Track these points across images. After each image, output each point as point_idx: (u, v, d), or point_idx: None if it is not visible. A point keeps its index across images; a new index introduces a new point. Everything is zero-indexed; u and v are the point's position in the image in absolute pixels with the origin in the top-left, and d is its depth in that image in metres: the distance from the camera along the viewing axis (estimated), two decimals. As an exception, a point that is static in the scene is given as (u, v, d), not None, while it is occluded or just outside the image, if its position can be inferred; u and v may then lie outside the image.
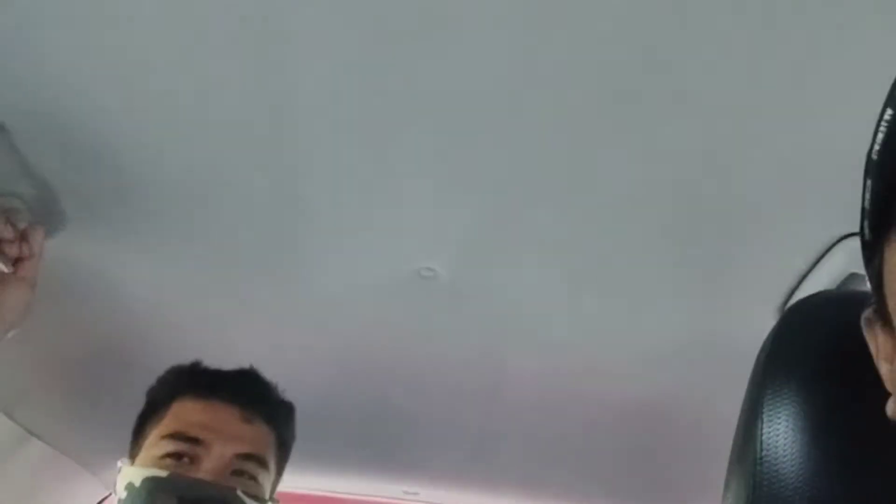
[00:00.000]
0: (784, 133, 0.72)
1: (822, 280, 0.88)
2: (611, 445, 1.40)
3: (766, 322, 1.01)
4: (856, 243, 0.84)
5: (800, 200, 0.80)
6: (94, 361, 1.22)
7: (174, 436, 1.00)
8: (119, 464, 1.02)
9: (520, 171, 0.80)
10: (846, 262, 0.84)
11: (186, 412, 1.02)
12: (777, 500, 0.49)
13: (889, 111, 0.37)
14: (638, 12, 0.61)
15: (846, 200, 0.78)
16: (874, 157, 0.38)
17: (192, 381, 1.06)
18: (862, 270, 0.81)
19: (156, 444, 1.00)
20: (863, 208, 0.40)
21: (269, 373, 1.19)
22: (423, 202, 0.86)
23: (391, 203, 0.87)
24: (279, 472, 1.09)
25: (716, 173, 0.78)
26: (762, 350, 0.56)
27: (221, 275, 1.03)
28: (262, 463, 1.02)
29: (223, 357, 1.17)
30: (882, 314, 0.42)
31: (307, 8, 0.63)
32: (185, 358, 1.12)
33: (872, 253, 0.42)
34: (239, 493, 0.97)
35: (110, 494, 1.50)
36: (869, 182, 0.39)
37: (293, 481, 1.69)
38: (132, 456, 1.04)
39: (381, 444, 1.47)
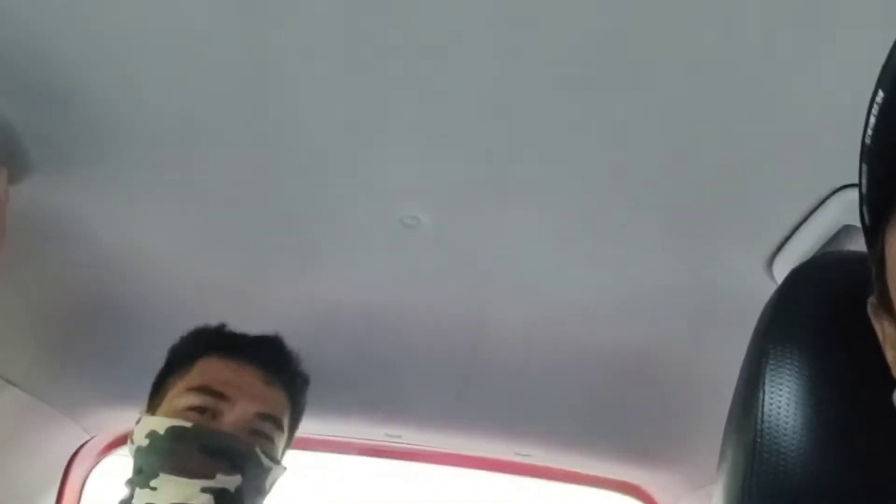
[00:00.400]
0: (777, 84, 0.70)
1: (814, 232, 0.87)
2: (594, 391, 1.41)
3: (755, 273, 1.01)
4: (850, 196, 0.83)
5: (794, 151, 0.78)
6: (70, 308, 1.20)
7: (200, 389, 1.03)
8: (138, 415, 1.04)
9: (507, 117, 0.78)
10: (840, 214, 0.83)
11: (212, 369, 1.05)
12: (776, 473, 0.48)
13: (880, 94, 0.35)
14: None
15: (841, 152, 0.77)
16: (867, 141, 0.36)
17: (217, 341, 1.10)
18: (856, 223, 0.80)
19: (180, 396, 1.03)
20: (861, 193, 0.39)
21: (249, 319, 1.19)
22: (407, 150, 0.85)
23: (375, 150, 0.85)
24: (290, 439, 1.13)
25: (708, 123, 0.76)
26: (763, 315, 0.54)
27: (198, 221, 1.01)
28: (279, 425, 1.06)
29: (198, 302, 1.16)
30: (885, 301, 0.41)
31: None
32: (162, 305, 1.11)
33: (873, 238, 0.40)
34: (257, 450, 1.00)
35: (91, 439, 1.50)
36: (865, 167, 0.37)
37: None
38: (152, 408, 1.06)
39: (363, 388, 1.48)
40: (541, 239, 0.99)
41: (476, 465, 1.88)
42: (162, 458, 0.97)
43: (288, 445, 1.13)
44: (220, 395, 1.02)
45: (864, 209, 0.39)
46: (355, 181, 0.91)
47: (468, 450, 1.78)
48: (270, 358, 1.09)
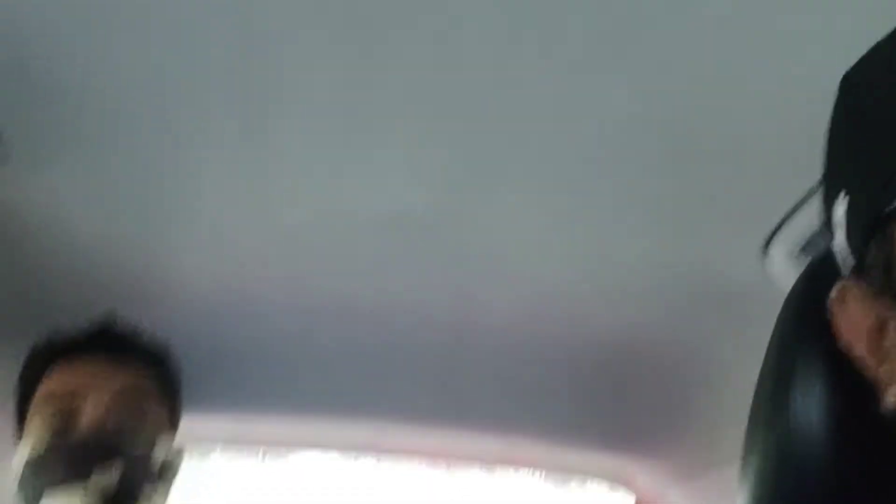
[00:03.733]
0: (774, 70, 0.69)
1: (810, 217, 0.85)
2: (583, 381, 1.40)
3: (749, 258, 1.00)
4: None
5: (788, 138, 0.77)
6: (41, 306, 1.16)
7: (48, 398, 1.00)
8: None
9: (495, 106, 0.77)
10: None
11: (57, 376, 1.02)
12: (806, 481, 0.46)
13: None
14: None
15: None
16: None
17: (52, 351, 1.05)
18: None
19: (34, 416, 1.00)
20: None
21: (231, 311, 1.17)
22: (398, 138, 0.83)
23: (365, 139, 0.83)
24: (173, 416, 1.08)
25: (702, 110, 0.76)
26: (787, 307, 0.51)
27: (180, 210, 0.99)
28: (146, 397, 1.03)
29: (183, 300, 1.14)
30: (880, 289, 0.39)
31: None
32: (138, 302, 1.07)
33: (881, 222, 0.39)
34: (125, 436, 0.97)
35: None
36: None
37: (259, 425, 1.67)
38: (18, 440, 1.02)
39: (346, 383, 1.45)
40: (529, 227, 0.98)
41: (462, 459, 1.86)
42: (35, 479, 0.95)
43: (175, 421, 1.10)
44: (68, 394, 0.99)
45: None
46: (341, 173, 0.89)
47: (454, 444, 1.76)
48: (112, 340, 1.05)
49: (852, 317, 0.42)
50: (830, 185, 0.43)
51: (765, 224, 0.91)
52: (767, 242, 0.93)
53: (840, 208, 0.41)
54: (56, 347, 1.05)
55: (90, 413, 0.97)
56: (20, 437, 1.01)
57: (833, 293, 0.44)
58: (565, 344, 1.27)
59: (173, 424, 1.08)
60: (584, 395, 1.44)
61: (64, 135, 0.85)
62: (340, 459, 1.85)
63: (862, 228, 0.40)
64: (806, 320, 0.49)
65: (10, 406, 1.11)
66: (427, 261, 1.07)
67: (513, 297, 1.15)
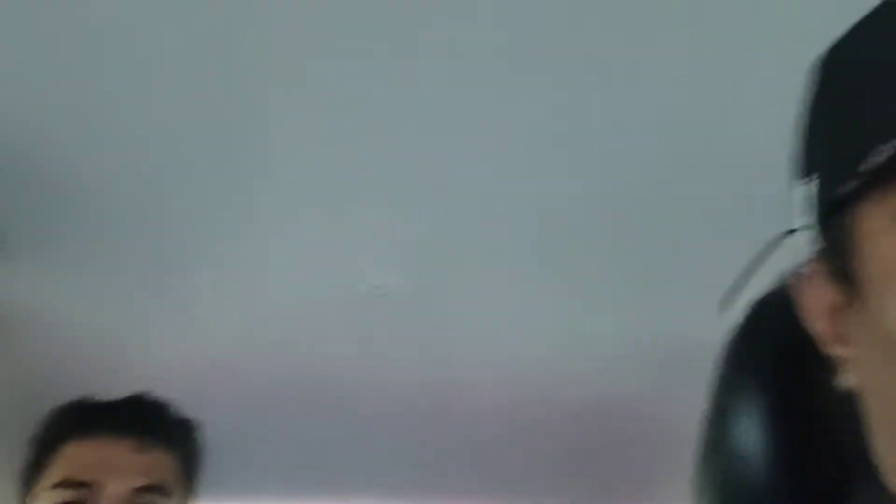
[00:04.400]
0: (726, 140, 0.74)
1: (766, 278, 0.90)
2: (563, 448, 1.41)
3: (713, 324, 1.03)
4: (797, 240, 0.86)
5: (745, 202, 0.81)
6: (29, 398, 1.17)
7: (62, 484, 0.95)
8: None
9: (468, 181, 0.80)
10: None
11: (74, 455, 0.97)
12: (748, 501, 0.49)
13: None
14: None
15: (787, 200, 0.80)
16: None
17: (76, 420, 1.01)
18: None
19: (45, 496, 0.95)
20: (860, 169, 0.38)
21: (205, 393, 1.17)
22: (371, 218, 0.87)
23: (342, 219, 0.87)
24: (190, 493, 1.04)
25: (664, 181, 0.79)
26: (726, 350, 0.56)
27: (158, 299, 1.02)
28: (165, 492, 0.98)
29: (166, 386, 1.13)
30: (835, 272, 0.41)
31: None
32: (117, 384, 1.07)
33: (836, 207, 0.40)
34: None
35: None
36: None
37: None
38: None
39: (326, 458, 1.45)
40: (503, 300, 1.01)
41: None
42: None
43: (193, 497, 1.05)
44: (86, 485, 0.94)
45: (851, 183, 0.39)
46: (319, 252, 0.92)
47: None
48: (137, 420, 1.00)
49: (813, 296, 0.44)
50: (798, 171, 0.45)
51: (723, 282, 0.95)
52: (724, 304, 0.97)
53: (805, 192, 0.43)
54: (77, 417, 1.01)
55: None
56: (24, 499, 0.97)
57: (801, 272, 0.46)
58: (544, 413, 1.29)
59: (191, 497, 1.05)
60: (567, 462, 1.45)
61: (61, 231, 0.88)
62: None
63: (819, 214, 0.42)
64: (743, 353, 0.54)
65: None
66: (403, 339, 1.10)
67: (490, 368, 1.18)
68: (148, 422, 1.01)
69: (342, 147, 0.76)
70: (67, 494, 0.94)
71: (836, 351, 0.42)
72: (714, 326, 0.99)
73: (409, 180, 0.80)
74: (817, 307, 0.43)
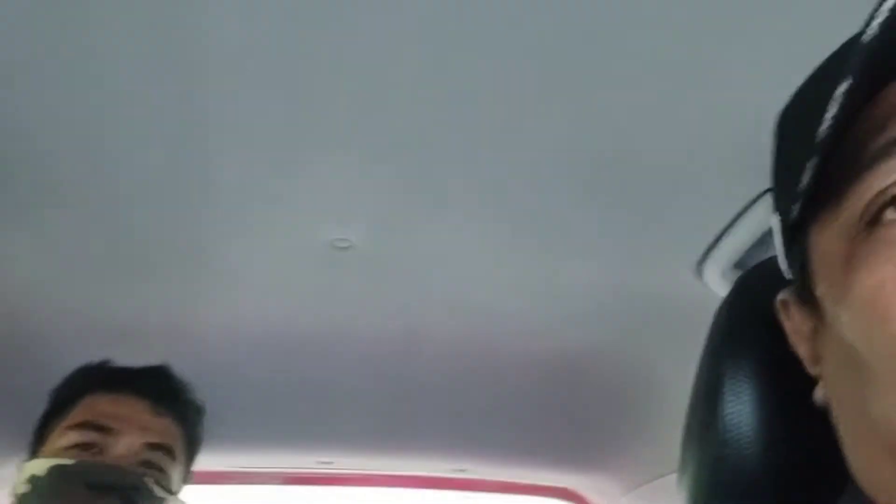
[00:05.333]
0: (704, 95, 0.72)
1: (741, 236, 0.89)
2: (527, 400, 1.42)
3: (684, 277, 1.03)
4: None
5: (718, 157, 0.81)
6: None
7: (82, 425, 0.98)
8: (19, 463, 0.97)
9: (435, 132, 0.78)
10: (766, 218, 0.85)
11: (96, 405, 1.00)
12: (741, 485, 0.48)
13: (847, 82, 0.35)
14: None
15: (766, 160, 0.79)
16: (822, 135, 0.37)
17: (101, 377, 1.04)
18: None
19: (62, 435, 0.98)
20: (797, 190, 0.40)
21: (174, 350, 1.15)
22: (334, 170, 0.84)
23: (301, 173, 0.84)
24: (187, 471, 1.08)
25: (637, 135, 0.78)
26: (715, 324, 0.54)
27: (106, 253, 0.99)
28: (171, 454, 1.02)
29: (123, 339, 1.14)
30: (803, 296, 0.43)
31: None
32: (82, 349, 1.06)
33: (795, 234, 0.42)
34: (148, 480, 0.96)
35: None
36: (815, 160, 0.38)
37: (205, 461, 1.65)
38: (34, 453, 1.00)
39: (291, 415, 1.45)
40: (471, 253, 0.99)
41: (411, 484, 1.86)
42: (46, 501, 0.92)
43: (185, 478, 1.08)
44: (104, 429, 0.98)
45: (797, 206, 0.41)
46: (282, 207, 0.89)
47: (403, 470, 1.77)
48: (158, 388, 1.04)
49: (794, 323, 0.45)
50: (772, 205, 0.47)
51: (699, 243, 0.95)
52: (701, 261, 0.96)
53: (775, 224, 0.45)
54: (105, 374, 1.05)
55: (121, 452, 0.96)
56: (36, 447, 1.00)
57: (777, 302, 0.47)
58: (511, 365, 1.29)
59: (181, 484, 1.07)
60: (531, 415, 1.46)
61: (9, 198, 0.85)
62: (292, 489, 1.84)
63: (783, 241, 0.44)
64: (734, 330, 0.52)
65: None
66: (369, 291, 1.08)
67: (458, 323, 1.16)
68: (167, 391, 1.05)
69: (301, 97, 0.73)
70: (85, 435, 0.97)
71: (814, 371, 0.44)
72: (685, 282, 1.00)
73: (371, 131, 0.77)
74: (799, 333, 0.45)
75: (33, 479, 0.93)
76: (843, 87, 0.35)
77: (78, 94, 0.73)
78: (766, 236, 0.88)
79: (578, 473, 1.73)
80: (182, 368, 1.20)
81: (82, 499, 0.91)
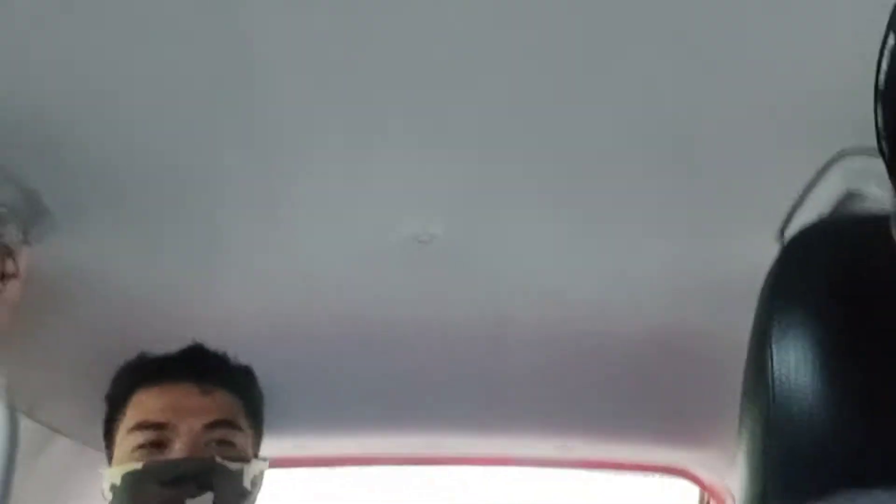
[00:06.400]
0: (773, 57, 0.71)
1: (819, 201, 0.88)
2: (624, 379, 1.41)
3: (765, 249, 1.01)
4: (851, 162, 0.84)
5: (791, 123, 0.79)
6: (106, 356, 1.23)
7: (138, 427, 1.02)
8: (100, 471, 1.03)
9: (511, 123, 0.79)
10: (842, 181, 0.84)
11: (144, 402, 1.04)
12: (792, 436, 0.49)
13: (892, 39, 0.36)
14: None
15: (838, 120, 0.78)
16: (881, 86, 0.38)
17: (142, 372, 1.07)
18: (859, 188, 0.81)
19: (125, 439, 1.02)
20: (877, 129, 0.41)
21: (272, 346, 1.21)
22: (413, 165, 0.86)
23: (382, 170, 0.87)
24: (258, 435, 1.10)
25: (707, 104, 0.77)
26: (766, 282, 0.55)
27: (214, 254, 1.04)
28: (233, 425, 1.04)
29: (227, 335, 1.17)
30: None
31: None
32: (178, 336, 1.11)
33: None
34: (218, 460, 0.99)
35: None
36: (879, 108, 0.40)
37: (300, 449, 1.72)
38: (109, 458, 1.05)
39: (392, 403, 1.49)
40: (552, 240, 1.01)
41: (517, 463, 1.89)
42: None
43: (259, 442, 1.11)
44: (160, 426, 1.00)
45: (883, 144, 0.42)
46: (364, 203, 0.92)
47: (509, 450, 1.79)
48: (199, 367, 1.06)
49: None
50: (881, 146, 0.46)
51: (780, 210, 0.93)
52: (783, 228, 0.95)
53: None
54: (145, 369, 1.07)
55: (183, 443, 0.99)
56: (109, 454, 1.05)
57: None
58: (603, 346, 1.29)
59: (257, 447, 1.11)
60: (629, 392, 1.46)
61: (103, 199, 0.91)
62: (394, 472, 1.87)
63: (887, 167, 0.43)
64: (780, 289, 0.53)
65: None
66: (453, 282, 1.10)
67: (541, 309, 1.18)
68: (207, 368, 1.07)
69: (382, 90, 0.75)
70: (144, 435, 1.00)
71: None
72: (770, 252, 0.99)
73: (444, 128, 0.79)
74: None
75: (113, 489, 0.99)
76: (890, 41, 0.37)
77: (160, 117, 0.78)
78: (846, 198, 0.86)
79: (685, 450, 1.71)
80: (276, 362, 1.26)
81: (161, 496, 0.96)
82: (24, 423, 1.16)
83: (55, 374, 1.19)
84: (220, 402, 1.05)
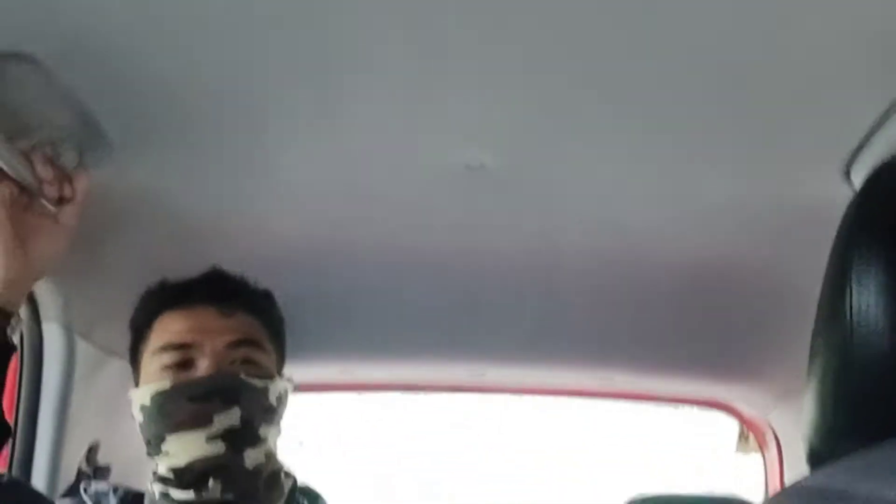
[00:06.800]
0: None
1: (886, 139, 0.85)
2: (673, 311, 1.40)
3: (828, 186, 1.00)
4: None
5: (864, 57, 0.76)
6: (160, 277, 1.24)
7: (164, 348, 1.03)
8: (129, 395, 1.05)
9: (566, 50, 0.77)
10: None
11: (168, 325, 1.05)
12: (869, 374, 0.48)
13: None
14: None
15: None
16: None
17: (164, 297, 1.09)
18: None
19: (151, 361, 1.04)
20: None
21: (322, 268, 1.23)
22: (466, 91, 0.85)
23: (434, 95, 0.85)
24: (280, 356, 1.12)
25: (774, 34, 0.74)
26: (845, 218, 0.54)
27: (270, 179, 1.04)
28: (256, 344, 1.06)
29: (279, 256, 1.20)
30: None
31: None
32: (248, 266, 1.13)
33: None
34: (243, 376, 1.01)
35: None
36: None
37: (347, 374, 1.75)
38: (136, 382, 1.08)
39: (441, 330, 1.50)
40: (607, 168, 0.99)
41: (560, 394, 1.91)
42: (159, 423, 0.99)
43: (282, 365, 1.13)
44: (185, 346, 1.02)
45: None
46: (415, 129, 0.91)
47: (551, 380, 1.80)
48: (219, 290, 1.08)
49: None
50: None
51: (848, 143, 0.91)
52: (850, 162, 0.93)
53: None
54: (167, 294, 1.09)
55: (206, 363, 1.01)
56: (136, 376, 1.08)
57: None
58: (654, 278, 1.28)
59: (281, 367, 1.12)
60: (678, 325, 1.45)
61: (158, 121, 0.90)
62: (439, 400, 1.91)
63: None
64: (864, 222, 0.51)
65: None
66: (505, 210, 1.09)
67: (593, 239, 1.16)
68: (227, 291, 1.08)
69: (434, 19, 0.73)
70: (170, 356, 1.03)
71: None
72: (836, 187, 0.97)
73: (500, 54, 0.77)
74: None
75: (143, 409, 1.01)
76: None
77: (220, 37, 0.76)
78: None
79: (728, 384, 1.71)
80: (330, 288, 1.27)
81: (190, 412, 0.98)
82: (81, 345, 1.19)
83: (111, 297, 1.21)
84: (242, 323, 1.06)
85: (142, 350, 1.07)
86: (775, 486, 1.82)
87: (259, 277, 1.13)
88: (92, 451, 1.26)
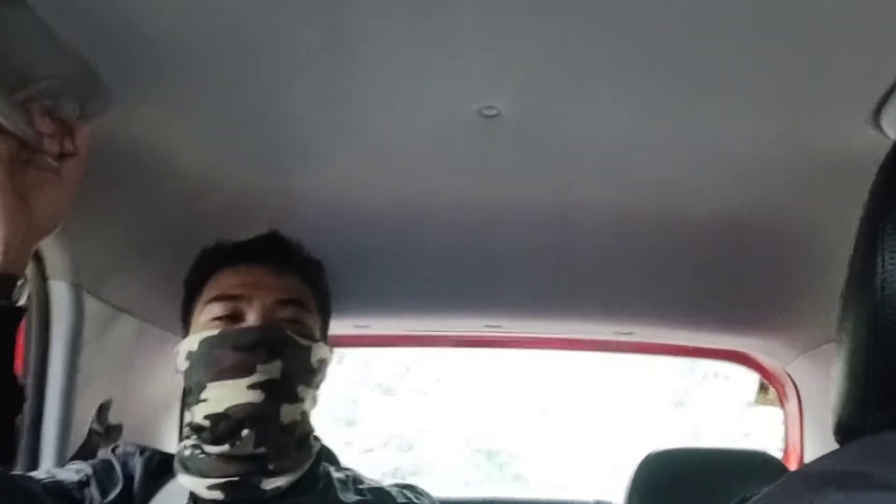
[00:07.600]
0: None
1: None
2: (693, 263, 1.38)
3: (859, 127, 0.96)
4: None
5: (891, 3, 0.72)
6: (168, 232, 1.23)
7: (217, 298, 1.06)
8: (176, 348, 1.08)
9: None
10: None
11: (224, 279, 1.09)
12: None
13: None
14: None
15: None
16: None
17: (221, 255, 1.12)
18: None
19: (202, 312, 1.07)
20: None
21: (336, 225, 1.23)
22: (480, 37, 0.81)
23: (446, 41, 0.82)
24: (325, 324, 1.15)
25: None
26: (879, 176, 0.50)
27: (278, 131, 1.02)
28: (303, 306, 1.09)
29: (292, 213, 1.20)
30: None
31: None
32: (257, 220, 1.13)
33: None
34: (288, 332, 1.04)
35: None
36: None
37: (384, 325, 1.75)
38: (186, 334, 1.10)
39: (457, 282, 1.49)
40: (625, 117, 0.95)
41: (580, 347, 1.89)
42: (203, 370, 1.01)
43: (327, 327, 1.16)
44: (237, 297, 1.05)
45: None
46: (428, 76, 0.88)
47: (570, 334, 1.79)
48: (274, 251, 1.11)
49: None
50: None
51: (877, 87, 0.87)
52: (879, 107, 0.89)
53: None
54: (223, 252, 1.12)
55: (255, 315, 1.04)
56: (186, 331, 1.10)
57: None
58: (674, 229, 1.25)
59: (325, 332, 1.14)
60: (697, 278, 1.43)
61: (161, 69, 0.87)
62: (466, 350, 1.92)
63: None
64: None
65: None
66: (520, 159, 1.07)
67: (612, 190, 1.14)
68: (283, 253, 1.12)
69: None
70: (221, 307, 1.06)
71: None
72: (864, 133, 0.93)
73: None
74: None
75: (190, 355, 1.03)
76: None
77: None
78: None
79: (748, 336, 1.69)
80: (343, 242, 1.26)
81: (234, 360, 1.00)
82: (90, 303, 1.18)
83: (119, 253, 1.20)
84: (293, 284, 1.09)
85: (193, 304, 1.10)
86: (795, 439, 1.80)
87: (268, 230, 1.13)
88: (103, 410, 1.26)
